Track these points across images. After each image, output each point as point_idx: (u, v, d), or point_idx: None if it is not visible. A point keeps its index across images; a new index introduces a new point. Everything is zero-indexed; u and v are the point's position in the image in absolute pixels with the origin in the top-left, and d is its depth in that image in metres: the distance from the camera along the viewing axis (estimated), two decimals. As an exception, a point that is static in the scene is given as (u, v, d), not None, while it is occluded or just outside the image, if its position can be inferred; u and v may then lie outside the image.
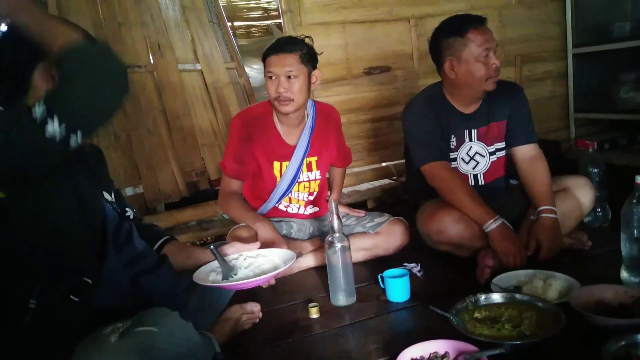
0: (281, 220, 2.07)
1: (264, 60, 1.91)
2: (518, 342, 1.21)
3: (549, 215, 1.77)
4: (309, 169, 2.04)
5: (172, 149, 2.80)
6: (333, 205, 1.64)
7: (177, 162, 2.80)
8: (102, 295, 1.10)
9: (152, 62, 2.90)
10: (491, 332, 1.29)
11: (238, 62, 3.26)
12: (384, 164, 3.05)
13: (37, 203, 1.02)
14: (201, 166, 2.86)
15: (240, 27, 5.74)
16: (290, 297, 1.79)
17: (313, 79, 1.93)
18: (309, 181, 2.06)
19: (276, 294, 1.83)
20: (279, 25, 5.47)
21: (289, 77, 1.85)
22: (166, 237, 1.49)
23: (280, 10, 2.89)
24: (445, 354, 1.22)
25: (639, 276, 1.51)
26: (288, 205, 2.09)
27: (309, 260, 2.02)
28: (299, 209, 2.10)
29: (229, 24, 3.54)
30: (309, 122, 2.01)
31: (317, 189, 2.09)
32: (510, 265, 1.72)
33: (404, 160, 2.19)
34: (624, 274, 1.55)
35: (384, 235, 1.98)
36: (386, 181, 2.97)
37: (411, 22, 2.98)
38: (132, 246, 1.20)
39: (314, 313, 1.61)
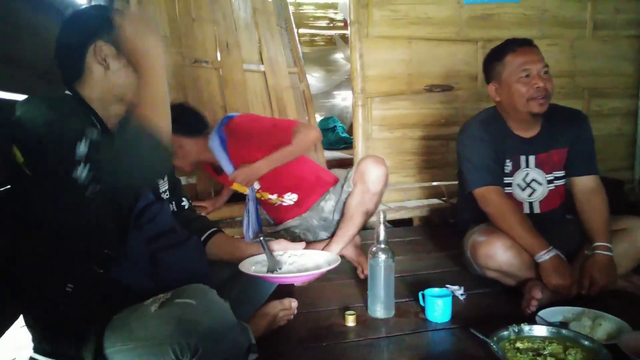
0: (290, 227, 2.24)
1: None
2: (561, 378, 1.16)
3: (604, 252, 1.70)
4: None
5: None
6: (381, 216, 1.64)
7: (231, 158, 2.87)
8: (122, 270, 1.16)
9: (218, 59, 2.99)
10: (532, 364, 1.25)
11: (300, 68, 3.32)
12: (434, 184, 3.01)
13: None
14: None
15: (305, 34, 5.85)
16: (327, 302, 1.80)
17: None
18: (258, 190, 2.24)
19: (314, 297, 1.84)
20: (342, 37, 5.55)
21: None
22: (214, 228, 1.54)
23: (348, 21, 2.92)
24: (482, 380, 1.19)
25: (699, 329, 1.42)
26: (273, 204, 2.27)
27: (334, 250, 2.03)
28: (278, 205, 2.26)
29: (295, 30, 3.61)
30: (215, 144, 2.17)
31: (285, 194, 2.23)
32: (561, 299, 1.66)
33: (456, 182, 2.15)
34: (681, 325, 1.47)
35: (359, 182, 2.03)
36: (435, 201, 2.93)
37: (479, 44, 2.95)
38: (155, 224, 1.26)
39: (351, 321, 1.60)
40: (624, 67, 3.27)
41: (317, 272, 1.45)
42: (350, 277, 2.01)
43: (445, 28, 2.93)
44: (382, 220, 1.64)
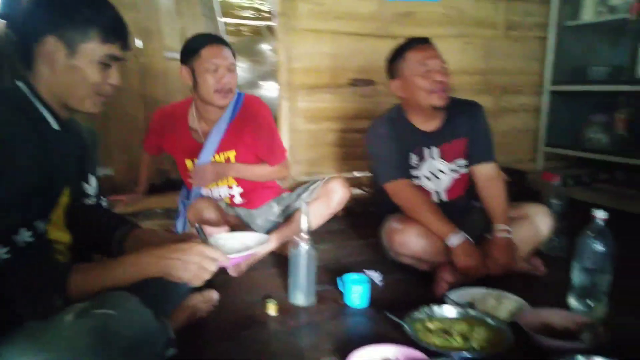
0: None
1: (194, 52, 1.94)
2: (466, 355, 1.25)
3: (503, 234, 1.84)
4: (228, 163, 2.11)
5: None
6: (303, 207, 1.67)
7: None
8: None
9: (138, 46, 2.88)
10: (442, 343, 1.33)
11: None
12: (356, 174, 3.09)
13: None
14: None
15: (231, 24, 5.75)
16: (249, 292, 1.81)
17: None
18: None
19: (235, 288, 1.84)
20: (269, 28, 5.51)
21: (230, 70, 1.97)
22: (130, 224, 1.47)
23: (275, 13, 2.91)
24: (396, 359, 1.26)
25: (586, 304, 1.58)
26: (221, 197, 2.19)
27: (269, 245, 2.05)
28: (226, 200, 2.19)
29: (221, 20, 3.55)
30: (223, 119, 2.07)
31: (234, 182, 2.16)
32: (469, 280, 1.78)
33: (374, 174, 2.24)
34: (572, 302, 1.62)
35: (322, 198, 2.08)
36: (357, 191, 3.01)
37: (400, 40, 3.04)
38: None
39: (272, 310, 1.63)
40: (532, 66, 3.52)
41: (253, 250, 1.39)
42: (272, 267, 2.03)
43: (369, 24, 3.00)
44: (304, 210, 1.67)
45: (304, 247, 1.66)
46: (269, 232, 2.16)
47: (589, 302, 1.58)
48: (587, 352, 1.26)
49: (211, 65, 1.93)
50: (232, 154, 2.11)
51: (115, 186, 2.68)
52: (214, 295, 1.61)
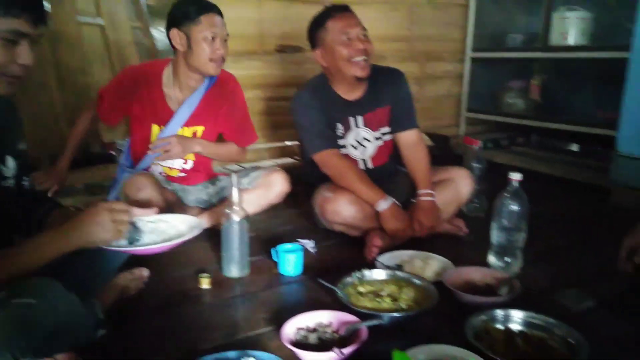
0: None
1: (195, 16, 1.86)
2: (395, 315, 1.31)
3: (427, 198, 1.92)
4: (194, 137, 2.04)
5: (63, 106, 2.60)
6: (233, 179, 1.65)
7: (67, 120, 2.60)
8: None
9: (47, 9, 2.65)
10: (372, 305, 1.39)
11: (144, 22, 3.08)
12: (288, 143, 3.08)
13: None
14: (94, 126, 2.69)
15: (150, -15, 5.41)
16: (180, 267, 1.77)
17: None
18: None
19: (166, 263, 1.80)
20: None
21: (225, 40, 1.92)
22: (53, 203, 1.38)
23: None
24: (329, 324, 1.30)
25: (504, 261, 1.70)
26: (161, 171, 2.08)
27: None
28: (167, 173, 2.09)
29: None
30: (200, 90, 2.01)
31: (193, 158, 2.09)
32: (398, 243, 1.85)
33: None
34: (491, 259, 1.74)
35: (263, 188, 2.04)
36: (289, 160, 3.01)
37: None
38: None
39: (205, 284, 1.61)
40: (454, 33, 3.63)
41: (182, 239, 1.37)
42: (204, 241, 1.99)
43: (296, -12, 2.94)
44: (234, 183, 1.65)
45: (236, 219, 1.64)
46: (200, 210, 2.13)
47: (506, 259, 1.70)
48: (504, 305, 1.37)
49: (210, 34, 1.87)
50: (200, 129, 2.06)
51: (27, 162, 2.49)
52: (143, 272, 1.57)
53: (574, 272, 1.74)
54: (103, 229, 1.10)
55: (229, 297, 1.57)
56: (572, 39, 3.04)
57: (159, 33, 3.70)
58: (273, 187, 2.05)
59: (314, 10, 2.93)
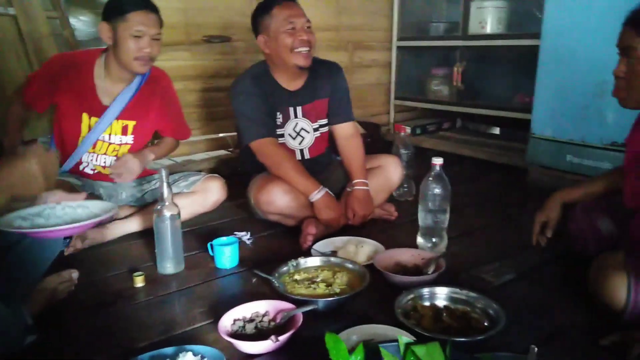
0: (84, 184, 2.00)
1: (123, 13, 1.80)
2: (329, 299, 1.36)
3: (361, 187, 1.99)
4: (124, 132, 2.00)
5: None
6: (163, 174, 1.62)
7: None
8: None
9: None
10: (307, 292, 1.43)
11: (62, 12, 2.93)
12: (221, 135, 3.05)
13: None
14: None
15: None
16: (113, 266, 1.73)
17: None
18: (120, 144, 2.01)
19: (99, 263, 1.76)
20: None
21: (155, 39, 1.86)
22: None
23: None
24: (266, 313, 1.32)
25: (431, 241, 1.80)
26: (93, 168, 2.02)
27: (131, 225, 1.97)
28: (96, 170, 2.03)
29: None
30: (134, 83, 1.97)
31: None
32: (332, 231, 1.91)
33: (240, 133, 2.23)
34: (419, 240, 1.83)
35: (200, 193, 2.03)
36: (222, 152, 2.99)
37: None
38: None
39: (139, 282, 1.59)
40: (381, 22, 3.71)
41: (84, 223, 1.32)
42: (136, 238, 1.96)
43: (220, -24, 2.90)
44: (164, 178, 1.62)
45: (167, 214, 1.63)
46: (134, 209, 2.09)
47: (433, 239, 1.80)
48: (431, 283, 1.45)
49: (136, 32, 1.80)
50: (131, 124, 2.00)
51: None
52: (73, 274, 1.52)
53: (495, 248, 1.87)
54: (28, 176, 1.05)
55: (164, 294, 1.56)
56: (489, 28, 3.20)
57: (79, 22, 3.53)
58: (210, 194, 2.04)
59: (240, 0, 2.91)
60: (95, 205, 1.47)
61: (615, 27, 1.34)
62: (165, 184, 1.62)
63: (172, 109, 2.13)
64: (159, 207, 1.63)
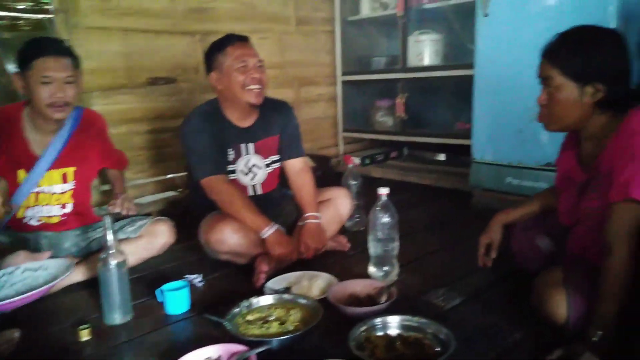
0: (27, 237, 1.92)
1: (28, 61, 1.77)
2: (282, 337, 1.34)
3: (313, 220, 2.00)
4: (65, 180, 1.96)
5: None
6: (107, 221, 1.58)
7: None
8: None
9: None
10: (261, 331, 1.41)
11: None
12: (169, 176, 3.01)
13: None
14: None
15: (5, 17, 5.00)
16: (57, 320, 1.65)
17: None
18: (62, 193, 1.97)
19: (40, 318, 1.67)
20: (52, 21, 4.95)
21: (68, 82, 1.81)
22: None
23: (52, 10, 2.63)
24: (219, 358, 1.29)
25: (382, 270, 1.82)
26: (39, 219, 1.95)
27: (76, 275, 1.89)
28: (42, 221, 1.96)
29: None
30: (64, 131, 1.94)
31: (71, 200, 2.00)
32: (285, 266, 1.90)
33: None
34: (371, 269, 1.85)
35: (147, 237, 1.99)
36: (171, 193, 2.95)
37: (197, 36, 3.03)
38: None
39: (85, 335, 1.52)
40: (324, 58, 3.82)
41: (35, 292, 1.29)
42: (81, 289, 1.88)
43: (162, 20, 2.91)
44: (107, 225, 1.58)
45: (113, 262, 1.58)
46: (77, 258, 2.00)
47: (384, 268, 1.82)
48: (384, 312, 1.47)
49: (44, 79, 1.76)
50: (71, 170, 1.96)
51: None
52: (14, 333, 1.44)
53: (444, 272, 1.91)
54: None
55: (112, 346, 1.50)
56: (427, 60, 3.36)
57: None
58: (157, 237, 2.00)
59: (184, 41, 2.95)
60: (54, 265, 1.41)
61: (538, 56, 1.44)
62: (109, 231, 1.58)
63: (108, 146, 2.15)
64: (104, 255, 1.59)
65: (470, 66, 2.79)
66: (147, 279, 1.96)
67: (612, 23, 2.18)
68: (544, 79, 1.37)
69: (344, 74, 3.82)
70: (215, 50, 1.98)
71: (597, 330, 1.20)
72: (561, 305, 1.32)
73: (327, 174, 3.34)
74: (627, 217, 1.22)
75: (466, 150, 2.91)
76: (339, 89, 3.87)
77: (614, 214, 1.25)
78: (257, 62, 1.97)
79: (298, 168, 2.14)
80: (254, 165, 2.09)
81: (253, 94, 1.94)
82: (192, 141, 1.97)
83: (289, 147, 2.15)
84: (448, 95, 3.50)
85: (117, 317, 1.61)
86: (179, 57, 3.00)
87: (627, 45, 1.32)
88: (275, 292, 1.67)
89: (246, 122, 2.07)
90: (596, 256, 1.35)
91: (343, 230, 2.30)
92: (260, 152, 2.10)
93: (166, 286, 1.70)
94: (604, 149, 1.33)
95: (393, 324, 1.40)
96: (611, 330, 1.20)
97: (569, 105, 1.34)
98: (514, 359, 1.33)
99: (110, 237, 1.58)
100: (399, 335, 1.37)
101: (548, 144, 2.42)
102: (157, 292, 1.70)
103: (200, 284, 1.88)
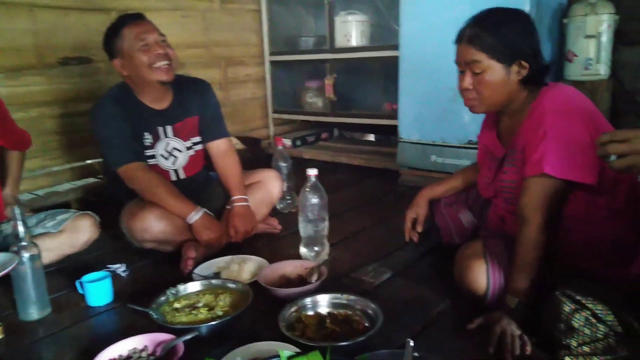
0: None
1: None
2: (211, 323, 1.32)
3: (241, 203, 1.97)
4: None
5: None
6: (16, 212, 1.47)
7: None
8: None
9: None
10: (189, 319, 1.38)
11: None
12: (88, 162, 2.84)
13: None
14: None
15: None
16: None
17: None
18: None
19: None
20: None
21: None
22: None
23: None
24: (144, 348, 1.25)
25: (313, 250, 1.83)
26: None
27: None
28: None
29: None
30: None
31: None
32: (215, 252, 1.86)
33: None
34: (302, 250, 1.86)
35: (68, 232, 1.86)
36: (91, 180, 2.78)
37: (112, 14, 2.84)
38: None
39: (-3, 334, 1.42)
40: (251, 38, 3.73)
41: None
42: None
43: (74, -5, 2.71)
44: (17, 216, 1.47)
45: (25, 254, 1.47)
46: None
47: (315, 248, 1.83)
48: (315, 292, 1.47)
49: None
50: None
51: None
52: None
53: (374, 249, 1.95)
54: None
55: (29, 343, 1.41)
56: (354, 41, 3.37)
57: None
58: (80, 233, 1.87)
59: (99, 19, 2.77)
60: None
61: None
62: (19, 222, 1.47)
63: (7, 120, 1.98)
64: (15, 248, 1.47)
65: (395, 47, 2.83)
66: (66, 270, 1.85)
67: (526, 6, 2.28)
68: (469, 64, 1.37)
69: (271, 54, 3.76)
70: (111, 36, 1.86)
71: (514, 298, 1.28)
72: (481, 276, 1.38)
73: (257, 156, 3.30)
74: (540, 190, 1.30)
75: (394, 130, 2.97)
76: (267, 69, 3.80)
77: (528, 187, 1.32)
78: (159, 37, 1.87)
79: (222, 149, 2.08)
80: (174, 149, 2.01)
81: (161, 71, 1.85)
82: (105, 128, 1.87)
83: (210, 128, 2.08)
84: (376, 76, 3.55)
85: (33, 312, 1.51)
86: (94, 36, 2.77)
87: (534, 22, 1.39)
88: (204, 278, 1.63)
89: (162, 104, 1.97)
90: (513, 228, 1.43)
91: (274, 213, 2.28)
92: (180, 134, 2.01)
93: (87, 277, 1.61)
94: (521, 125, 1.40)
95: (323, 303, 1.42)
96: (527, 298, 1.28)
97: (498, 86, 1.37)
98: (438, 330, 1.38)
99: (21, 228, 1.47)
100: (329, 314, 1.38)
101: (469, 123, 2.52)
102: (77, 283, 1.61)
103: (124, 274, 1.80)
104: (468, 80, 1.39)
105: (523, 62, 1.35)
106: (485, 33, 1.35)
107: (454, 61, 1.43)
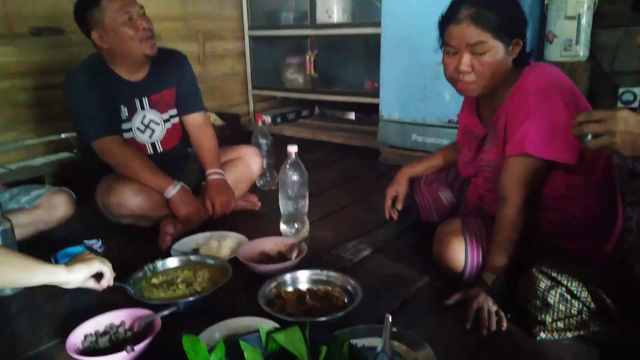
0: None
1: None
2: (189, 299, 1.31)
3: (216, 176, 1.94)
4: None
5: None
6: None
7: None
8: None
9: None
10: (167, 295, 1.37)
11: None
12: (63, 136, 2.76)
13: None
14: None
15: None
16: None
17: None
18: None
19: None
20: None
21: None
22: None
23: None
24: (121, 323, 1.24)
25: (294, 227, 1.83)
26: None
27: None
28: None
29: None
30: None
31: None
32: (193, 227, 1.84)
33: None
34: (282, 227, 1.85)
35: (43, 209, 1.81)
36: (66, 154, 2.71)
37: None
38: None
39: (-31, 311, 1.38)
40: (230, 11, 3.64)
41: None
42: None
43: (44, -39, 2.60)
44: (-13, 188, 1.43)
45: (-3, 229, 1.43)
46: None
47: (295, 225, 1.83)
48: (294, 268, 1.47)
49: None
50: None
51: None
52: None
53: (354, 227, 1.95)
54: None
55: (2, 319, 1.38)
56: (336, 17, 3.32)
57: None
58: (55, 210, 1.81)
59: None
60: None
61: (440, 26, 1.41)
62: (-11, 195, 1.43)
63: None
64: (-17, 221, 1.43)
65: (378, 24, 2.79)
66: (41, 245, 1.79)
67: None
68: (471, 45, 1.30)
69: (251, 28, 3.68)
70: (89, 6, 1.78)
71: (492, 275, 1.30)
72: (459, 253, 1.40)
73: (237, 133, 3.26)
74: (521, 169, 1.31)
75: (375, 108, 2.95)
76: (247, 44, 3.72)
77: (509, 166, 1.33)
78: (140, 10, 1.82)
79: (198, 123, 2.04)
80: (151, 121, 1.96)
81: (149, 44, 1.81)
82: (78, 101, 1.81)
83: (187, 101, 2.03)
84: (358, 54, 3.51)
85: (7, 289, 1.47)
86: (66, 6, 2.68)
87: None
88: (182, 254, 1.61)
89: (137, 76, 1.92)
90: (492, 206, 1.44)
91: (254, 190, 2.26)
92: (157, 106, 1.97)
93: (62, 252, 1.58)
94: (502, 104, 1.39)
95: (303, 279, 1.42)
96: (505, 275, 1.30)
97: (500, 65, 1.32)
98: (417, 305, 1.40)
99: (-9, 202, 1.43)
100: (308, 290, 1.39)
101: (450, 102, 2.52)
102: (52, 258, 1.58)
103: (100, 249, 1.77)
104: (467, 62, 1.31)
105: (519, 40, 1.33)
106: (490, 12, 1.28)
107: (446, 43, 1.36)
